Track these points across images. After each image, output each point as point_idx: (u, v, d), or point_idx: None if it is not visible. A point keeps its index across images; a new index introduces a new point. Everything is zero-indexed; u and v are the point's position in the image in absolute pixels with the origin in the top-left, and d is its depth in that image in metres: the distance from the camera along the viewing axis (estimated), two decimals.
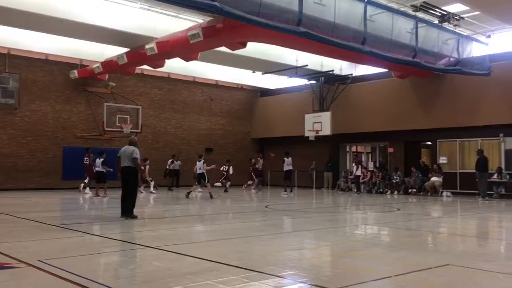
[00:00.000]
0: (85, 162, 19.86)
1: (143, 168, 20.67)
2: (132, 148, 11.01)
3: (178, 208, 14.78)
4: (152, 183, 21.08)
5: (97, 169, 18.32)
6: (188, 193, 18.20)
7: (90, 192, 19.14)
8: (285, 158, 21.50)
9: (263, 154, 25.93)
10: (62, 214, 13.20)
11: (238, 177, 27.64)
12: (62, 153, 23.05)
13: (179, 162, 24.05)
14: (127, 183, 10.99)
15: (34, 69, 22.56)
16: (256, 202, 17.25)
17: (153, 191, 20.56)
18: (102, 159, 18.21)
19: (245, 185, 24.79)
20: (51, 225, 9.76)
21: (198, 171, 17.98)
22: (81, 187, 20.15)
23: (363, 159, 26.69)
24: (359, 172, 22.57)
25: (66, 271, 5.37)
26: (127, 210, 10.91)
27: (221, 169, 22.78)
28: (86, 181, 20.08)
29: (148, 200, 17.45)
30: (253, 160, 24.73)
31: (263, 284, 4.96)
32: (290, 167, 21.68)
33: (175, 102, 27.28)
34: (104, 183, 18.32)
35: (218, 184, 23.35)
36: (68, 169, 22.72)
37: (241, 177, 26.90)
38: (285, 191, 21.20)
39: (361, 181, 22.95)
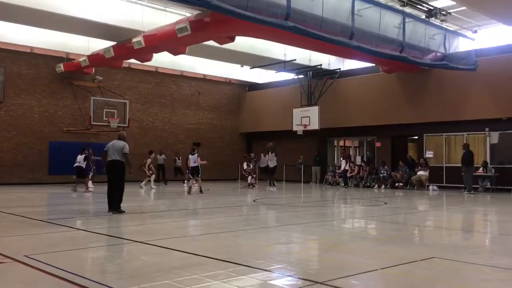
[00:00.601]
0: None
1: (146, 161, 20.38)
2: (122, 143, 10.93)
3: (166, 202, 14.74)
4: (153, 177, 20.78)
5: (76, 164, 17.97)
6: (190, 189, 17.75)
7: (93, 186, 18.77)
8: (275, 153, 21.92)
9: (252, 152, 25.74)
10: (49, 209, 13.11)
11: (225, 171, 27.75)
12: (48, 148, 22.83)
13: (163, 156, 23.74)
14: (115, 177, 10.89)
15: (19, 62, 22.27)
16: (244, 197, 17.26)
17: (143, 186, 20.15)
18: (84, 155, 17.99)
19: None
20: (37, 220, 9.68)
21: (192, 164, 17.51)
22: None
23: (351, 154, 26.80)
24: (347, 167, 22.69)
25: (53, 266, 5.33)
26: (115, 204, 10.85)
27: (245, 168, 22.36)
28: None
29: (136, 194, 17.34)
30: (252, 154, 24.05)
31: (251, 278, 4.98)
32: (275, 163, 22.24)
33: (163, 97, 27.13)
34: (83, 178, 18.02)
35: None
36: (54, 163, 22.52)
37: (228, 172, 27.06)
38: (274, 185, 21.45)
39: (348, 175, 23.09)
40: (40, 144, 22.68)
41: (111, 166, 10.84)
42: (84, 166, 17.97)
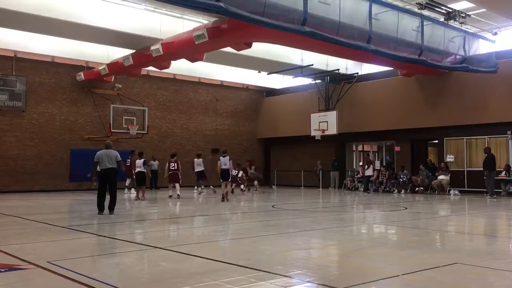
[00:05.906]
0: (127, 164, 18.74)
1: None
2: (114, 151, 12.02)
3: (184, 209, 14.80)
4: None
5: (138, 169, 17.68)
6: (223, 196, 16.54)
7: (135, 193, 18.38)
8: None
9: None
10: (70, 216, 13.28)
11: None
12: (70, 155, 23.16)
13: (156, 162, 23.72)
14: (112, 182, 11.94)
15: (41, 72, 22.69)
16: (263, 202, 17.23)
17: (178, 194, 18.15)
18: (143, 159, 17.79)
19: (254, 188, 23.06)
20: (59, 226, 9.82)
21: (223, 167, 16.55)
22: (129, 190, 20.13)
23: (372, 158, 26.31)
24: (369, 172, 22.39)
25: (75, 272, 5.40)
26: (111, 207, 11.83)
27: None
28: (127, 183, 20.34)
29: (156, 201, 17.44)
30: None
31: (271, 284, 4.96)
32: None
33: (181, 103, 27.33)
34: (143, 185, 17.64)
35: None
36: (75, 170, 22.81)
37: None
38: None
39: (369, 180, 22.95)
40: (61, 152, 23.02)
41: (108, 174, 11.81)
42: (145, 171, 17.83)
